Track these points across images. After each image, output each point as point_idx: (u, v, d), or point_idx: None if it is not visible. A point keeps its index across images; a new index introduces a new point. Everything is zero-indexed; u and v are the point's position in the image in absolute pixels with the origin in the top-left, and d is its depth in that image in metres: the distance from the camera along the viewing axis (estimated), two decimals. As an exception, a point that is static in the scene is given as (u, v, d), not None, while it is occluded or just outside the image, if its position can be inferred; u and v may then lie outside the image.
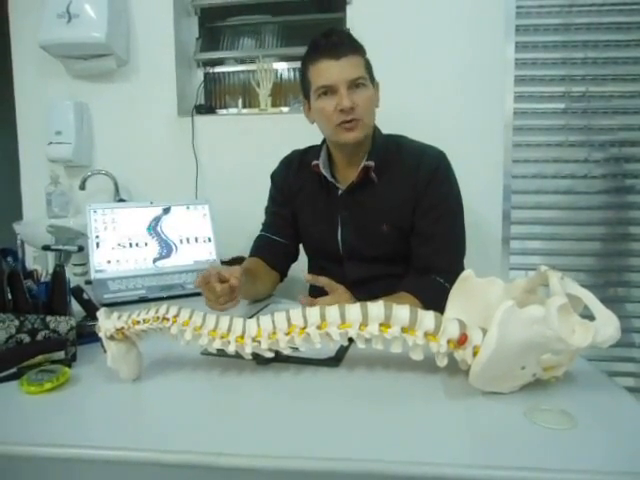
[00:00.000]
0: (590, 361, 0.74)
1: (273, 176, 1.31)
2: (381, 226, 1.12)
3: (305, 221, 1.24)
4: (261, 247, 1.25)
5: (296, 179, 1.24)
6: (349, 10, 1.81)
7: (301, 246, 1.31)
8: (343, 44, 1.05)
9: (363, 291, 1.05)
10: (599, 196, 1.73)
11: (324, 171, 1.16)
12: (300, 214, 1.24)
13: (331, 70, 1.04)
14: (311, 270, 1.31)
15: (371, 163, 1.11)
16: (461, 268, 1.05)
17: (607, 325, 0.61)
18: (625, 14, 1.67)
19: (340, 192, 1.16)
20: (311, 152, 1.22)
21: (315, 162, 1.17)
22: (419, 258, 1.11)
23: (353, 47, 1.06)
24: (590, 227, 1.74)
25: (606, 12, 1.68)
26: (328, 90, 1.06)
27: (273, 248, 1.25)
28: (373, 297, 0.83)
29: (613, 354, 1.71)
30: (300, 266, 1.32)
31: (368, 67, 1.10)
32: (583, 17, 1.69)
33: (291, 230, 1.26)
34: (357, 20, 1.78)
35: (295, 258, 1.30)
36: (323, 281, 0.96)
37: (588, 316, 0.63)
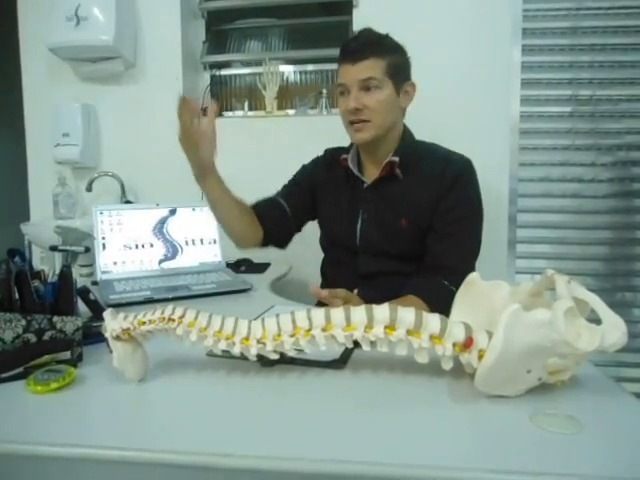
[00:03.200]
0: (597, 366, 0.74)
1: (304, 165, 1.34)
2: (400, 221, 1.15)
3: (326, 213, 1.27)
4: (261, 202, 1.26)
5: (324, 173, 1.28)
6: (355, 13, 1.82)
7: (309, 246, 1.32)
8: (362, 48, 1.09)
9: (373, 285, 1.11)
10: (606, 200, 1.73)
11: (351, 165, 1.20)
12: (322, 206, 1.27)
13: (347, 72, 1.10)
14: (325, 263, 1.34)
15: (396, 159, 1.14)
16: (470, 271, 1.05)
17: (614, 329, 0.61)
18: (633, 17, 1.67)
19: (365, 186, 1.20)
20: (343, 150, 1.27)
21: (344, 156, 1.22)
22: (431, 255, 1.13)
23: (373, 51, 1.09)
24: (597, 231, 1.74)
25: (613, 15, 1.68)
26: (344, 90, 1.12)
27: (273, 207, 1.25)
28: (382, 293, 0.87)
29: (620, 359, 1.70)
30: (308, 270, 1.32)
31: (392, 69, 1.11)
32: (590, 20, 1.69)
33: (300, 204, 1.27)
34: (363, 23, 1.76)
35: (288, 234, 1.30)
36: (324, 294, 0.92)
37: (595, 320, 0.62)
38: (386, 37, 1.14)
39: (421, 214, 1.13)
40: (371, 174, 1.20)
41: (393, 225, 1.15)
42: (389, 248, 1.16)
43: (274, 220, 1.24)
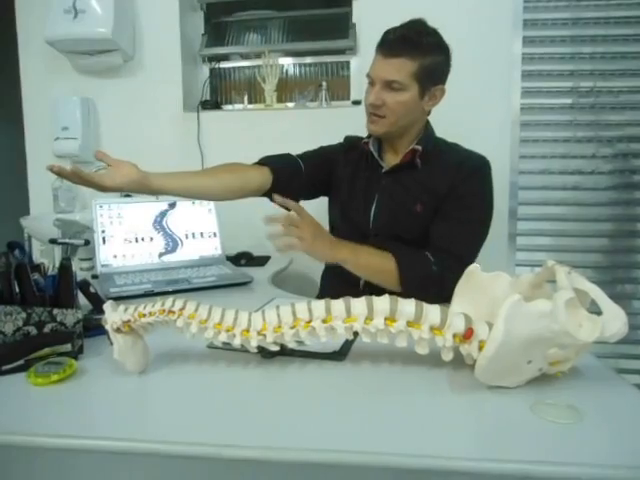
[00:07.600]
0: (597, 357, 0.74)
1: (323, 146, 1.35)
2: (415, 206, 1.16)
3: (342, 194, 1.27)
4: (273, 156, 1.26)
5: (344, 155, 1.30)
6: (355, 5, 1.81)
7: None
8: (398, 44, 1.07)
9: None
10: (606, 192, 1.72)
11: (372, 148, 1.22)
12: (338, 187, 1.28)
13: (377, 65, 1.11)
14: None
15: (419, 147, 1.16)
16: (469, 259, 1.04)
17: (615, 320, 0.61)
18: (633, 8, 1.66)
19: (382, 171, 1.22)
20: (362, 137, 1.28)
21: (366, 140, 1.24)
22: (430, 235, 1.14)
23: (407, 51, 1.06)
24: (597, 223, 1.73)
25: (615, 6, 1.67)
26: (371, 81, 1.13)
27: (288, 161, 1.26)
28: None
29: (620, 351, 1.71)
30: (309, 263, 1.31)
31: (421, 72, 1.07)
32: (591, 11, 1.68)
33: (315, 173, 1.27)
34: (363, 15, 1.78)
35: (295, 194, 1.24)
36: (293, 205, 1.00)
37: (595, 312, 0.62)
38: (427, 36, 1.08)
39: (435, 199, 1.15)
40: (390, 160, 1.22)
41: (408, 210, 1.16)
42: (402, 233, 1.18)
43: (287, 173, 1.23)
